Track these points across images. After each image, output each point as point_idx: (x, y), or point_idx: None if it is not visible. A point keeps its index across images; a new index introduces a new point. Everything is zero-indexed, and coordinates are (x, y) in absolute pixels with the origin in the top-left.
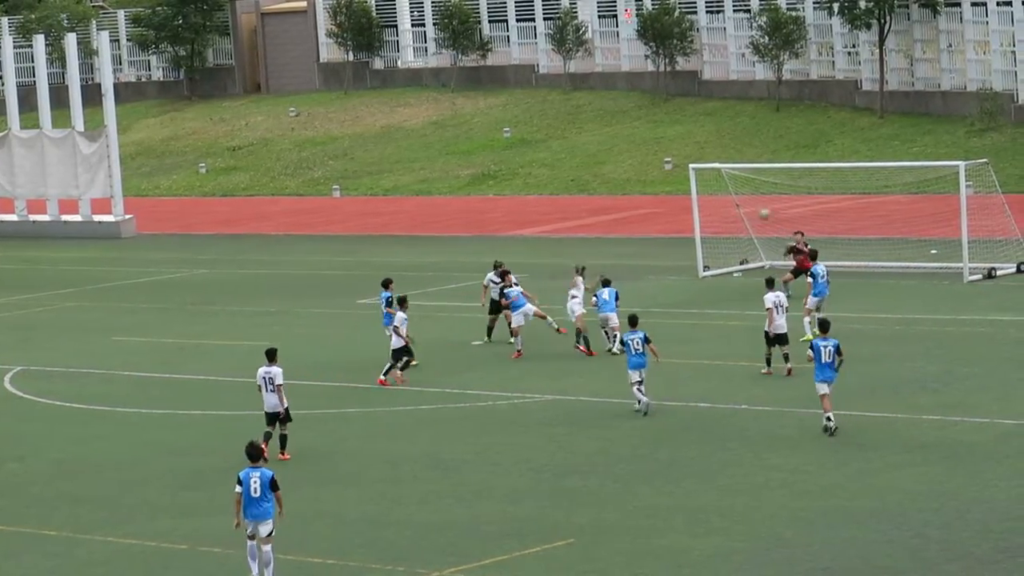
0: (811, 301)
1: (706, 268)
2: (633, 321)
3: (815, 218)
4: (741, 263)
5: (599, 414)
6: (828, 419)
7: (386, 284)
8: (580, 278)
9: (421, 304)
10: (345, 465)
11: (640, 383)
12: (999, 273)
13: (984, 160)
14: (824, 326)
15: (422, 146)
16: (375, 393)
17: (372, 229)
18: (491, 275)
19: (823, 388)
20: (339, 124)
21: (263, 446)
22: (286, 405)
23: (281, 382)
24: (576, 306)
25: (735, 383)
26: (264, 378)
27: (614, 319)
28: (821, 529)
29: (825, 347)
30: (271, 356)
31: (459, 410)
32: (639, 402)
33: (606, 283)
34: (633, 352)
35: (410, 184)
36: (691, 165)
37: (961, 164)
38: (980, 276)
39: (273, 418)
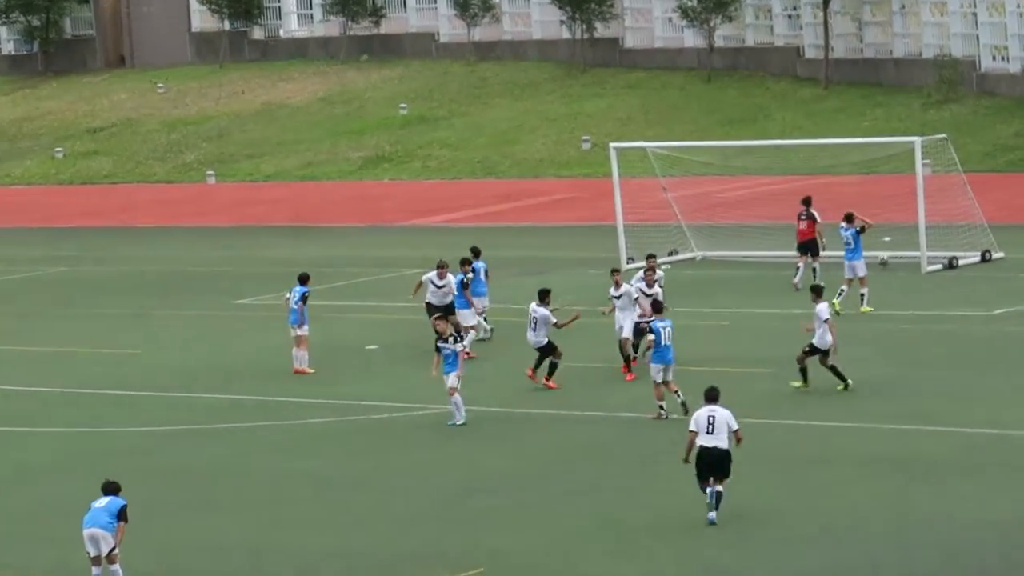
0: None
1: (631, 260)
2: (658, 308)
3: (753, 202)
4: (670, 254)
5: (510, 426)
6: (664, 406)
7: (303, 279)
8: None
9: (310, 303)
10: (224, 487)
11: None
12: (961, 263)
13: (943, 136)
14: (657, 307)
15: (308, 126)
16: (256, 406)
17: (252, 220)
18: (431, 274)
19: (659, 373)
20: (214, 102)
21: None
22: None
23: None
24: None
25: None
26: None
27: (478, 307)
28: (761, 556)
29: (664, 328)
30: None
31: (352, 423)
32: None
33: (476, 253)
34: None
35: (294, 169)
36: (612, 144)
37: (917, 140)
38: (940, 266)
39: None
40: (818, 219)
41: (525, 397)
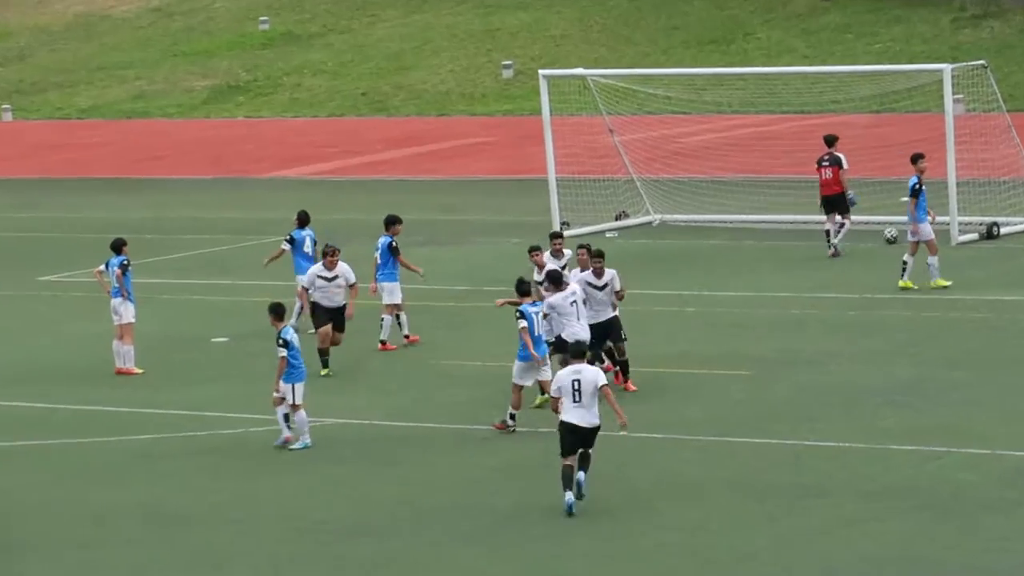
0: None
1: (565, 225)
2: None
3: (728, 149)
4: (617, 217)
5: (400, 445)
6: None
7: (117, 247)
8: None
9: (138, 282)
10: (28, 523)
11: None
12: (1004, 231)
13: (980, 62)
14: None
15: (137, 44)
16: (67, 418)
17: (61, 169)
18: (316, 267)
19: (527, 373)
20: (14, 11)
21: None
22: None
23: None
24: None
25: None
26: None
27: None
28: None
29: (538, 315)
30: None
31: (191, 441)
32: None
33: (302, 221)
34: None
35: (119, 101)
36: (542, 71)
37: (946, 68)
38: (976, 235)
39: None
40: (845, 165)
41: (425, 409)
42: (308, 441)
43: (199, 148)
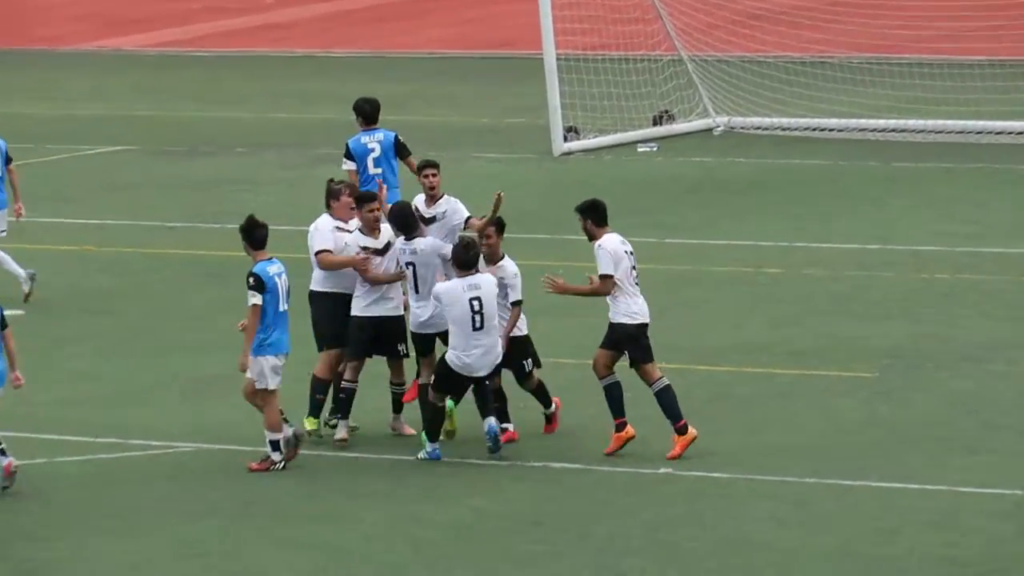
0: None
1: (572, 133)
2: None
3: (841, 14)
4: (657, 120)
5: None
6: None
7: None
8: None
9: None
10: None
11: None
12: None
13: None
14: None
15: None
16: None
17: None
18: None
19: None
20: None
21: None
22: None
23: None
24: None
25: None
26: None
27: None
28: None
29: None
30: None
31: None
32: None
33: None
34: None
35: None
36: None
37: None
38: None
39: None
40: None
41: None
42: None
43: None
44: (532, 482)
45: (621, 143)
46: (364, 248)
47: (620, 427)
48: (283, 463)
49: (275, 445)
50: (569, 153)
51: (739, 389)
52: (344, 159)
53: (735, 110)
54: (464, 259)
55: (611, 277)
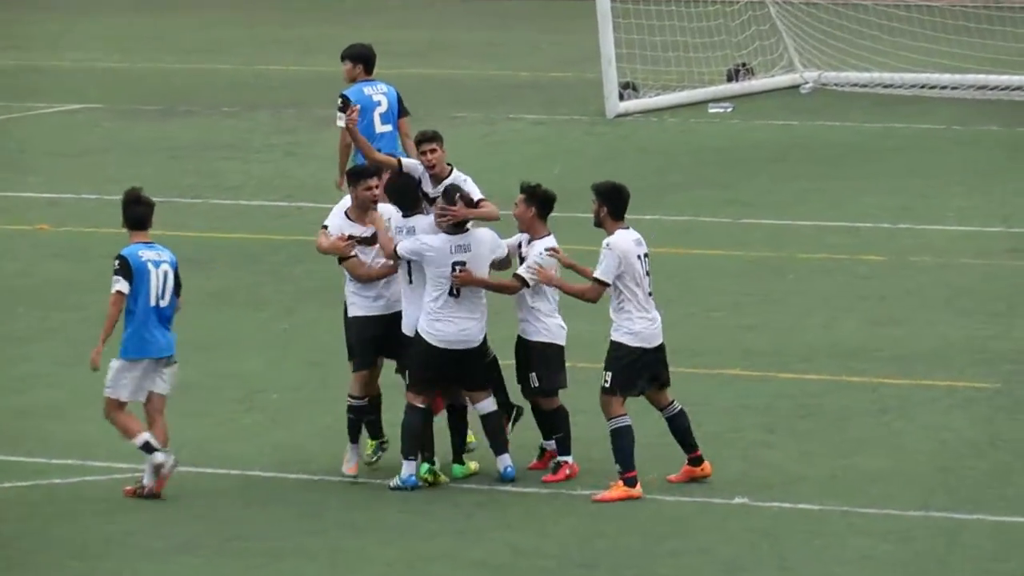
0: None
1: (629, 90)
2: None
3: None
4: (732, 75)
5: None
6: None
7: None
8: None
9: None
10: None
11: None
12: None
13: None
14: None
15: None
16: None
17: None
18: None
19: (134, 390)
20: None
21: None
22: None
23: None
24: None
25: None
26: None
27: None
28: None
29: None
30: None
31: None
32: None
33: None
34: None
35: None
36: None
37: None
38: None
39: None
40: None
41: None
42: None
43: None
44: (580, 516)
45: (689, 103)
46: (350, 236)
47: (629, 480)
48: (147, 490)
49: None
50: (625, 115)
51: (832, 402)
52: (339, 114)
53: (827, 63)
54: (468, 199)
55: (605, 286)
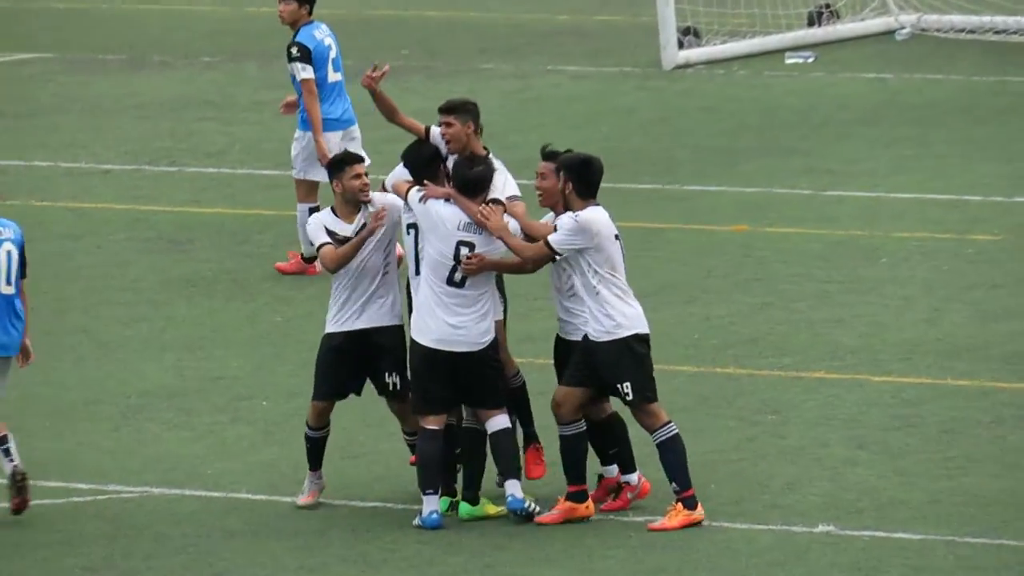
0: None
1: (690, 36)
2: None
3: None
4: (814, 20)
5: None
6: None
7: None
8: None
9: None
10: None
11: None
12: None
13: None
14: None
15: None
16: None
17: None
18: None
19: None
20: None
21: None
22: None
23: None
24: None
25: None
26: None
27: None
28: None
29: None
30: None
31: None
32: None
33: None
34: None
35: None
36: None
37: None
38: None
39: None
40: None
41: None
42: None
43: None
44: (630, 548)
45: (761, 51)
46: (332, 234)
47: (576, 495)
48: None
49: None
50: (686, 66)
51: (935, 410)
52: (301, 64)
53: (927, 4)
54: (465, 179)
55: (554, 253)
